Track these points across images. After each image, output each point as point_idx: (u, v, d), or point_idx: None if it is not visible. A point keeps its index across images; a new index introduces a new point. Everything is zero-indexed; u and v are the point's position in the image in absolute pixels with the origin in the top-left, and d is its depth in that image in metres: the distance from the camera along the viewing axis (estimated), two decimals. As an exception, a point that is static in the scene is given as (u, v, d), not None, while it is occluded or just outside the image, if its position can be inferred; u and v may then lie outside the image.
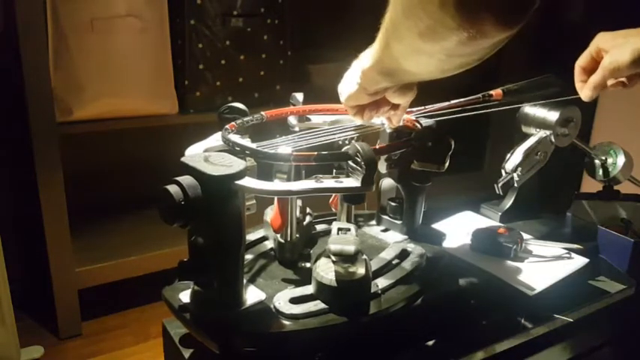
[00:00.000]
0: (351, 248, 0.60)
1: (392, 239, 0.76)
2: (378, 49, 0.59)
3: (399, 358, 0.64)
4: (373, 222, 0.83)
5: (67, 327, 1.38)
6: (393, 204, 0.80)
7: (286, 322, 0.58)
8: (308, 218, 0.76)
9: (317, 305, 0.59)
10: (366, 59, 0.64)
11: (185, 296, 0.61)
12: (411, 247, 0.73)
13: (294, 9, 1.60)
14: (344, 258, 0.60)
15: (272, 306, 0.60)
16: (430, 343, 0.67)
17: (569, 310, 0.76)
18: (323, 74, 1.77)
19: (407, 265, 0.68)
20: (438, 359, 0.66)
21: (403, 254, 0.71)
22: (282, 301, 0.60)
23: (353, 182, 0.57)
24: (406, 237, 0.77)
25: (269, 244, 0.75)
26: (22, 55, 1.19)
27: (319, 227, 0.80)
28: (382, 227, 0.81)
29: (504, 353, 0.70)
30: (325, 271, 0.60)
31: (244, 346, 0.57)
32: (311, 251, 0.73)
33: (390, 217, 0.80)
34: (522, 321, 0.73)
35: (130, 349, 1.36)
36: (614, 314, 0.82)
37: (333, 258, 0.60)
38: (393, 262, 0.69)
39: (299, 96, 0.78)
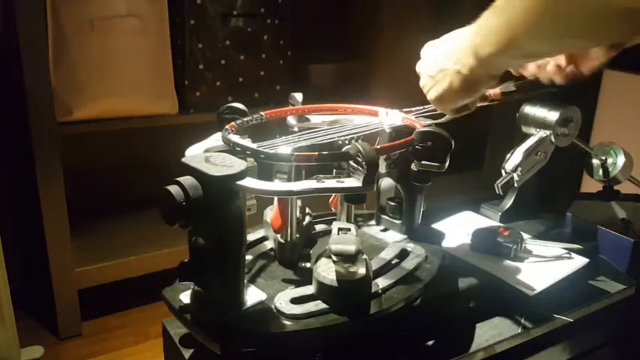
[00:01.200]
0: (351, 248, 0.60)
1: (391, 239, 0.76)
2: (509, 36, 0.52)
3: (399, 358, 0.65)
4: (372, 222, 0.83)
5: (67, 327, 1.38)
6: (392, 204, 0.80)
7: (287, 323, 0.58)
8: (308, 218, 0.76)
9: (318, 305, 0.59)
10: (473, 48, 0.58)
11: (185, 297, 0.61)
12: (410, 246, 0.73)
13: (294, 9, 1.60)
14: (345, 258, 0.60)
15: (273, 306, 0.60)
16: (430, 343, 0.67)
17: (569, 310, 0.76)
18: (323, 74, 1.78)
19: (407, 264, 0.68)
20: (438, 359, 0.66)
21: (403, 254, 0.71)
22: (282, 301, 0.60)
23: (354, 182, 0.57)
24: (405, 237, 0.77)
25: (269, 245, 0.75)
26: (22, 55, 1.19)
27: (319, 227, 0.80)
28: (381, 227, 0.81)
29: (504, 353, 0.70)
30: (326, 271, 0.60)
31: (245, 346, 0.57)
32: (311, 251, 0.73)
33: (389, 216, 0.80)
34: (522, 321, 0.73)
35: (130, 349, 1.36)
36: (614, 314, 0.82)
37: (334, 258, 0.60)
38: (393, 262, 0.69)
39: (298, 96, 0.78)
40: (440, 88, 0.62)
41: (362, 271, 0.60)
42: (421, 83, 0.66)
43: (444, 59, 0.61)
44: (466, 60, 0.58)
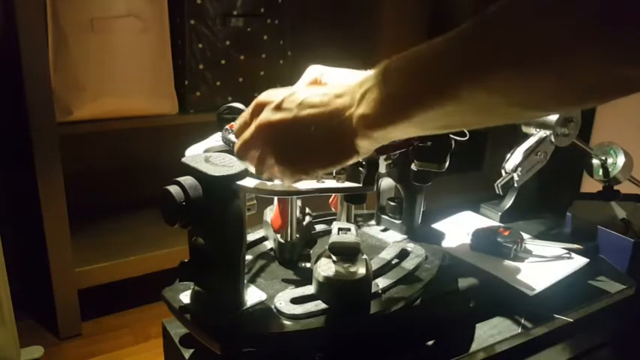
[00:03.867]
0: (351, 248, 0.60)
1: (391, 239, 0.76)
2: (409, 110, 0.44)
3: (399, 358, 0.65)
4: (372, 222, 0.83)
5: (67, 327, 1.38)
6: (392, 204, 0.80)
7: (287, 323, 0.58)
8: (308, 218, 0.76)
9: (318, 305, 0.59)
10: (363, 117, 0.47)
11: (185, 297, 0.61)
12: (410, 246, 0.73)
13: (294, 9, 1.60)
14: (344, 258, 0.60)
15: (273, 306, 0.60)
16: (430, 343, 0.67)
17: (569, 310, 0.76)
18: (323, 74, 1.77)
19: (407, 264, 0.68)
20: (438, 359, 0.66)
21: (403, 254, 0.71)
22: (282, 301, 0.60)
23: (354, 182, 0.57)
24: (405, 237, 0.77)
25: (269, 245, 0.75)
26: (22, 55, 1.19)
27: (319, 227, 0.80)
28: (381, 227, 0.81)
29: (504, 353, 0.70)
30: (326, 271, 0.60)
31: (246, 346, 0.57)
32: (311, 251, 0.73)
33: (389, 216, 0.80)
34: (522, 321, 0.73)
35: (130, 349, 1.36)
36: (614, 314, 0.82)
37: (334, 258, 0.60)
38: (393, 262, 0.69)
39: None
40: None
41: (362, 271, 0.60)
42: None
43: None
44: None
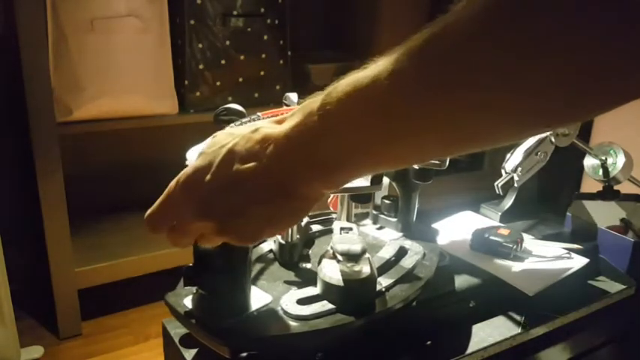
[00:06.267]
0: (357, 247, 0.60)
1: (388, 237, 0.76)
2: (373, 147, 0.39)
3: (400, 357, 0.65)
4: (368, 220, 0.83)
5: (67, 327, 1.38)
6: (387, 202, 0.80)
7: (296, 324, 0.57)
8: (306, 219, 0.76)
9: (324, 306, 0.59)
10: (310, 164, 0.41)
11: (189, 301, 0.60)
12: (408, 244, 0.73)
13: (294, 9, 1.60)
14: (350, 257, 0.60)
15: (279, 308, 0.59)
16: (430, 343, 0.67)
17: (569, 310, 0.76)
18: (323, 74, 1.78)
19: (406, 263, 0.68)
20: (438, 359, 0.66)
21: (401, 252, 0.71)
22: (289, 302, 0.59)
23: (362, 182, 0.57)
24: (402, 234, 0.77)
25: (267, 246, 0.75)
26: (22, 55, 1.19)
27: (314, 227, 0.79)
28: (377, 225, 0.81)
29: (504, 353, 0.70)
30: (331, 271, 0.60)
31: (255, 348, 0.56)
32: (310, 252, 0.73)
33: (384, 215, 0.80)
34: (522, 321, 0.73)
35: (130, 349, 1.36)
36: (614, 314, 0.82)
37: (339, 258, 0.60)
38: (392, 260, 0.69)
39: (293, 96, 0.78)
40: None
41: (367, 270, 0.60)
42: None
43: None
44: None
